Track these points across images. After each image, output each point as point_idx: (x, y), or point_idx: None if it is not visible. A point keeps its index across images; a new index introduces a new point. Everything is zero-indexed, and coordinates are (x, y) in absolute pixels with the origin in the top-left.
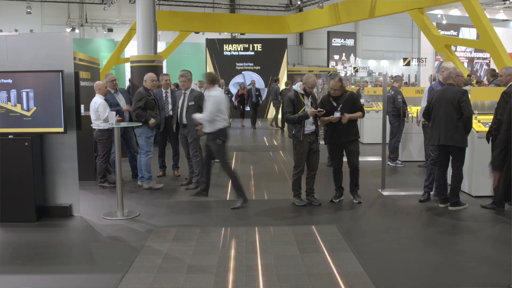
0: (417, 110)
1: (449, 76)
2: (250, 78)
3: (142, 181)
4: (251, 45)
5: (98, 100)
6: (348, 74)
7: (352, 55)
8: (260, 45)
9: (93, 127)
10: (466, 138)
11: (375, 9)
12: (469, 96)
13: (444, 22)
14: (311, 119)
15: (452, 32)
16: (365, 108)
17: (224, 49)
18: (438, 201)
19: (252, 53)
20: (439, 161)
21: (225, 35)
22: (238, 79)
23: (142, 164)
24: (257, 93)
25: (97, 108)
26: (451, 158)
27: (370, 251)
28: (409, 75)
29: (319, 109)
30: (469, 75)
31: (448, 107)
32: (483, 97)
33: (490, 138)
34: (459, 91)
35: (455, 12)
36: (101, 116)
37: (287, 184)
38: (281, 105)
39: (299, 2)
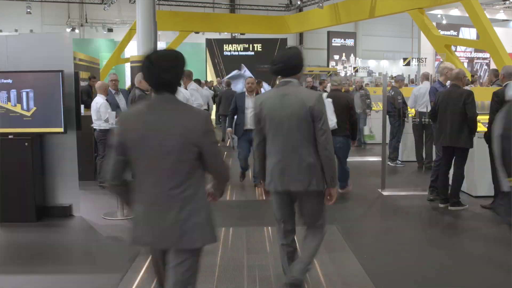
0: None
1: (457, 77)
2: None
3: None
4: (251, 45)
5: (100, 101)
6: (348, 74)
7: (352, 55)
8: (260, 45)
9: (94, 127)
10: (471, 139)
11: (375, 9)
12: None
13: (444, 22)
14: None
15: (452, 32)
16: None
17: (224, 49)
18: (438, 201)
19: (252, 53)
20: (442, 160)
21: (225, 35)
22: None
23: None
24: None
25: (99, 108)
26: (454, 158)
27: (370, 251)
28: (409, 75)
29: None
30: (473, 76)
31: (454, 108)
32: (483, 97)
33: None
34: (464, 92)
35: (455, 12)
36: (102, 117)
37: None
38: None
39: (299, 2)
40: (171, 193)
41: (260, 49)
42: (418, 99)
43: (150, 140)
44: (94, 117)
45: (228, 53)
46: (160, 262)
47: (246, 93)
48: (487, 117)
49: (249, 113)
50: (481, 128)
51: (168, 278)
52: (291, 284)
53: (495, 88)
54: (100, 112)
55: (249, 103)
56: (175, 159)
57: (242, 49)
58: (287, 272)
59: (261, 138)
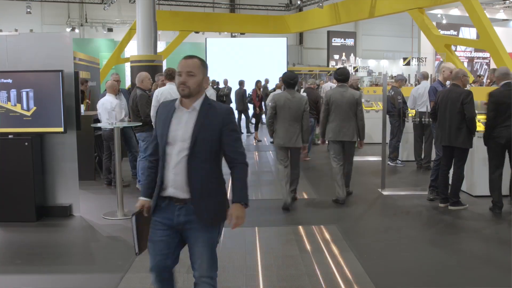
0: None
1: (457, 76)
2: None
3: (139, 184)
4: (250, 45)
5: (113, 100)
6: None
7: (352, 54)
8: (260, 45)
9: (105, 128)
10: (471, 139)
11: (375, 9)
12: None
13: (444, 21)
14: None
15: (452, 32)
16: (364, 108)
17: (224, 49)
18: (438, 201)
19: (252, 53)
20: (442, 160)
21: (225, 35)
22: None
23: (140, 168)
24: None
25: (114, 108)
26: (454, 158)
27: (370, 251)
28: (409, 75)
29: None
30: (479, 76)
31: (452, 108)
32: (483, 97)
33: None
34: (463, 92)
35: (455, 11)
36: (117, 117)
37: None
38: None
39: (299, 2)
40: (294, 125)
41: (260, 49)
42: (417, 99)
43: (286, 105)
44: (105, 117)
45: (228, 53)
46: (287, 155)
47: (177, 104)
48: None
49: (175, 153)
50: (481, 128)
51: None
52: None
53: (495, 88)
54: (114, 111)
55: (180, 127)
56: (294, 114)
57: (240, 49)
58: (341, 187)
59: (328, 113)
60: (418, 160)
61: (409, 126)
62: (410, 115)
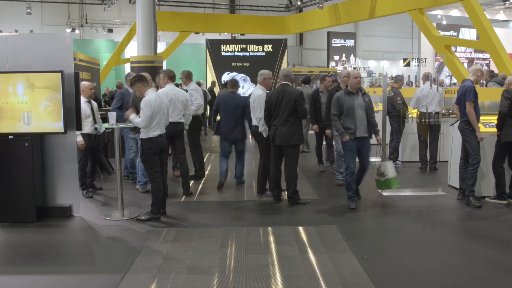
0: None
1: None
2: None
3: (139, 185)
4: (250, 45)
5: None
6: None
7: (352, 55)
8: (260, 46)
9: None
10: None
11: (375, 10)
12: None
13: (444, 22)
14: None
15: (452, 33)
16: None
17: (223, 50)
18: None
19: (252, 53)
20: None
21: (225, 36)
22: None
23: (139, 168)
24: None
25: (85, 112)
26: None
27: (370, 251)
28: (409, 76)
29: None
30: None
31: None
32: (483, 97)
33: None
34: None
35: (455, 12)
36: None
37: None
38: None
39: (299, 3)
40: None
41: (260, 50)
42: (421, 100)
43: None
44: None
45: (232, 54)
46: None
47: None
48: (487, 117)
49: None
50: (482, 128)
51: None
52: None
53: (494, 88)
54: (85, 114)
55: None
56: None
57: (239, 50)
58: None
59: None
60: (424, 161)
61: (408, 126)
62: (410, 115)
